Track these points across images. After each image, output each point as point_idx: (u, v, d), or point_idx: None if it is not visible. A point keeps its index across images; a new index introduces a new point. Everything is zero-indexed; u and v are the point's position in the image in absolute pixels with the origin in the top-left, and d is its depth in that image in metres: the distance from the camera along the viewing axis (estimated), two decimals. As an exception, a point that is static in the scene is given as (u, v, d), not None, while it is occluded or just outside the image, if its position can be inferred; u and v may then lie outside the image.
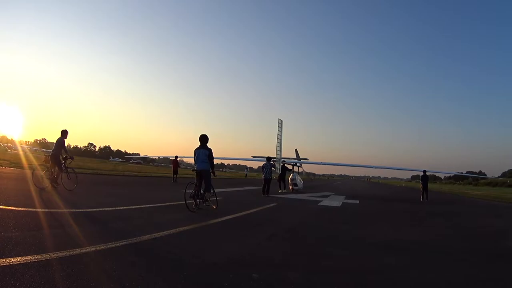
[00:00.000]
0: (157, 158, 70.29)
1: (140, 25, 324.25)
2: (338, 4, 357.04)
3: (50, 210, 5.37)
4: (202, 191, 7.18)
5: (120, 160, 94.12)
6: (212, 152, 7.34)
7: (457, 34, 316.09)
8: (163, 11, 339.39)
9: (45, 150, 56.01)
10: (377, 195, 22.84)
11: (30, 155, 21.02)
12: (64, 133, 9.00)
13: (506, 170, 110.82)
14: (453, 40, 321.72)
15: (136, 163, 79.99)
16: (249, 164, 74.45)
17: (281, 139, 18.51)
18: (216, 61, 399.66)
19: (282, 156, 18.95)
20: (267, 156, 14.77)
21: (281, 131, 18.57)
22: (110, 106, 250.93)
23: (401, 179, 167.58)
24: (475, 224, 9.15)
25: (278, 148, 18.24)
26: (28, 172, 11.00)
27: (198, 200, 7.06)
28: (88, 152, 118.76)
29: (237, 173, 69.59)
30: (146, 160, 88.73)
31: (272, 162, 14.43)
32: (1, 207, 5.05)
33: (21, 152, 31.01)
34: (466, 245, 5.46)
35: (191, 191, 7.11)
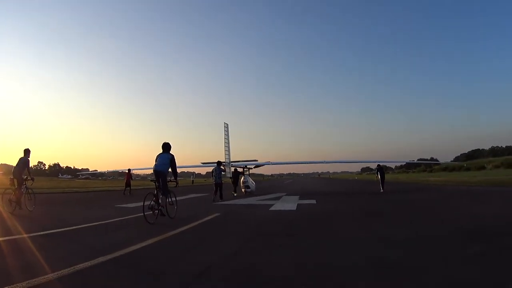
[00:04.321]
0: (106, 172, 70.66)
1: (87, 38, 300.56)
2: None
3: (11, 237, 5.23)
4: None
5: (70, 176, 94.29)
6: (174, 158, 7.24)
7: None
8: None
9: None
10: (334, 191, 21.75)
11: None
12: (27, 152, 8.87)
13: (459, 155, 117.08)
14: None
15: (85, 178, 79.72)
16: (197, 170, 76.42)
17: (228, 143, 18.06)
18: (153, 67, 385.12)
19: (232, 160, 18.52)
20: (217, 160, 14.39)
21: (227, 135, 18.14)
22: (54, 123, 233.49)
23: (352, 172, 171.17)
24: (455, 213, 8.54)
25: (227, 152, 17.82)
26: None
27: (156, 211, 6.78)
28: (38, 171, 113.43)
29: (184, 180, 68.33)
30: (95, 175, 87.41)
31: (222, 167, 14.10)
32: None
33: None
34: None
35: (149, 202, 6.78)
